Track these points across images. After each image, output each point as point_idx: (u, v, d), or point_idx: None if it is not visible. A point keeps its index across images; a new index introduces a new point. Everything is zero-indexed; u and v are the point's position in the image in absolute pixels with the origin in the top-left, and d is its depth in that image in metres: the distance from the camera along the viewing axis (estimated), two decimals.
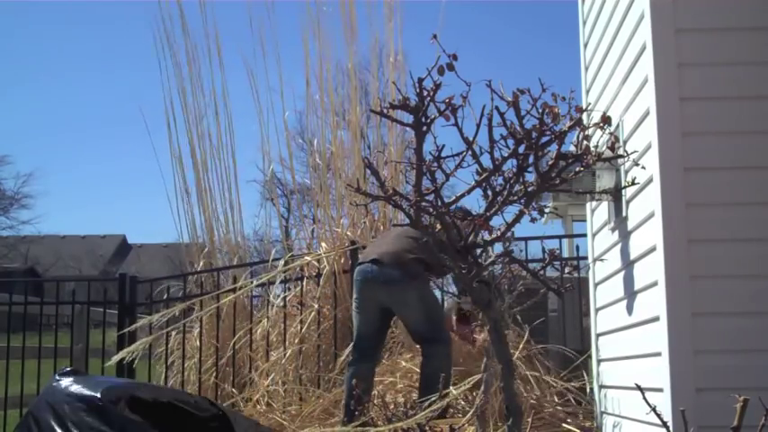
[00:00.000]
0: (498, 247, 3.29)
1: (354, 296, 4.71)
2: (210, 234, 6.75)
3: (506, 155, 3.06)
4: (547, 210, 3.71)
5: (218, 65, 6.89)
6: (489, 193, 3.14)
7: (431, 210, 3.11)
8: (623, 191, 3.25)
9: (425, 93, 2.95)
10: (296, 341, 5.57)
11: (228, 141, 6.87)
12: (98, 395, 2.81)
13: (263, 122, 6.75)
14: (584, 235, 4.34)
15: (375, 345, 4.66)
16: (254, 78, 6.82)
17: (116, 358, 5.64)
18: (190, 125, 6.82)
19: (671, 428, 2.46)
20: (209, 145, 6.82)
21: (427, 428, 3.51)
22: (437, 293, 5.02)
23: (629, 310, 3.27)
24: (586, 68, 4.08)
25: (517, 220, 3.13)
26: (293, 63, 7.30)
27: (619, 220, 3.39)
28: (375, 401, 4.58)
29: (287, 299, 5.90)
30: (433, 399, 3.64)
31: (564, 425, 4.18)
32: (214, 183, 6.78)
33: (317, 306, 5.64)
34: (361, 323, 4.65)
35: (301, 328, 5.58)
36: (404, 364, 5.15)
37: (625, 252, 3.31)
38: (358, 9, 6.79)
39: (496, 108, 2.98)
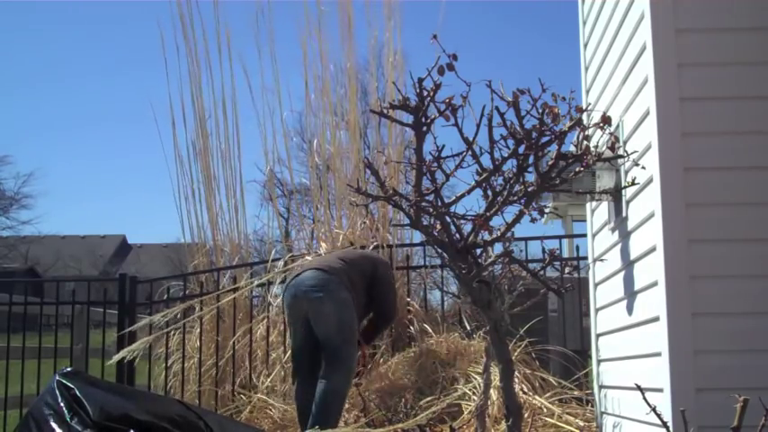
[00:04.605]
0: (498, 248, 3.29)
1: (285, 312, 4.64)
2: (215, 234, 6.76)
3: (506, 155, 3.07)
4: (547, 210, 3.71)
5: (228, 64, 6.89)
6: (489, 193, 3.14)
7: (431, 210, 3.11)
8: (623, 191, 3.25)
9: (425, 93, 2.95)
10: None
11: (235, 141, 6.87)
12: (92, 414, 2.82)
13: (262, 123, 6.76)
14: (585, 235, 4.33)
15: (307, 362, 4.40)
16: (250, 78, 6.83)
17: (117, 357, 5.64)
18: (199, 124, 6.82)
19: (671, 428, 2.46)
20: (218, 145, 6.83)
21: (427, 429, 3.51)
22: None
23: (629, 310, 3.27)
24: (586, 68, 4.08)
25: (517, 220, 3.13)
26: (290, 63, 7.32)
27: (619, 220, 3.39)
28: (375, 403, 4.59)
29: None
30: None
31: (564, 425, 4.18)
32: (221, 183, 6.79)
33: None
34: (292, 339, 4.54)
35: None
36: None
37: (625, 252, 3.31)
38: (357, 9, 6.80)
39: (496, 108, 2.98)
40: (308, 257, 5.84)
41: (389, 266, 4.78)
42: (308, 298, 4.30)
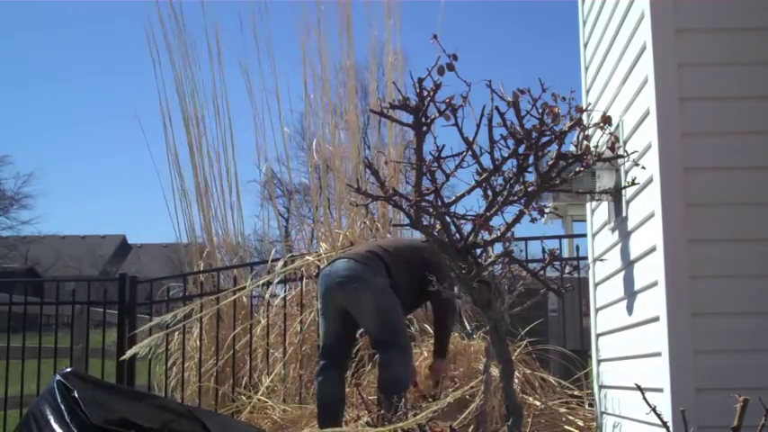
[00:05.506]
0: (498, 248, 3.29)
1: (318, 300, 4.49)
2: (209, 234, 6.74)
3: (506, 155, 3.06)
4: (547, 210, 3.71)
5: (218, 64, 6.88)
6: (489, 193, 3.14)
7: (431, 210, 3.11)
8: (623, 191, 3.25)
9: (425, 93, 2.95)
10: (296, 341, 5.57)
11: (228, 141, 6.86)
12: (91, 417, 2.83)
13: (260, 123, 6.76)
14: (585, 235, 4.33)
15: (340, 352, 4.31)
16: (250, 78, 6.82)
17: (129, 354, 5.55)
18: (188, 125, 6.81)
19: (671, 428, 2.46)
20: (207, 145, 6.81)
21: (427, 428, 3.50)
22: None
23: (629, 310, 3.27)
24: (586, 68, 4.08)
25: (517, 220, 3.13)
26: (289, 63, 7.31)
27: (619, 220, 3.39)
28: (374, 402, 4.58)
29: (287, 299, 5.90)
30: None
31: (564, 425, 4.19)
32: (214, 183, 6.78)
33: (316, 306, 5.62)
34: (323, 328, 4.36)
35: (301, 329, 5.57)
36: None
37: (625, 252, 3.31)
38: (357, 9, 6.81)
39: (496, 108, 2.98)
40: (308, 257, 5.85)
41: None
42: (344, 290, 4.19)
